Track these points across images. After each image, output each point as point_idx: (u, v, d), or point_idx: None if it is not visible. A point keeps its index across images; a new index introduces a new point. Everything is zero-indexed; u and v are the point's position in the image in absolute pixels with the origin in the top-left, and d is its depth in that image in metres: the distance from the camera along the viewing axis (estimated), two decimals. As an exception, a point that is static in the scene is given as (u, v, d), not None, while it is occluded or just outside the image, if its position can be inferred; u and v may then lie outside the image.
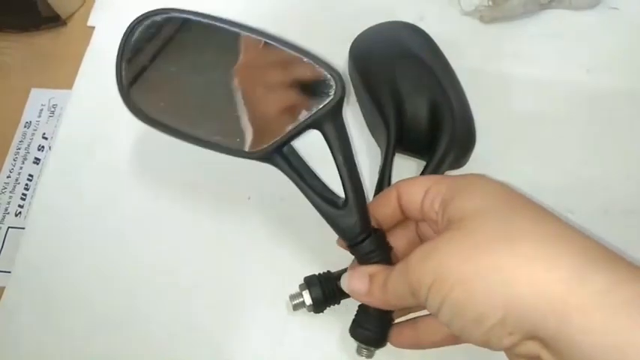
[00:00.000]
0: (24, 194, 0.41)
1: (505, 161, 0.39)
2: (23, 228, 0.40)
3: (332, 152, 0.30)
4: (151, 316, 0.36)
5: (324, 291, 0.33)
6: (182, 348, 0.36)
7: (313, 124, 0.29)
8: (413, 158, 0.39)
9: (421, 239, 0.32)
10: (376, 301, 0.28)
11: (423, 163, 0.37)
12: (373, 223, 0.31)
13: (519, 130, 0.41)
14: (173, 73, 0.32)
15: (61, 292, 0.37)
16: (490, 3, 0.46)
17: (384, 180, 0.35)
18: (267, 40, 0.30)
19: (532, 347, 0.22)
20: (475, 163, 0.38)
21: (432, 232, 0.30)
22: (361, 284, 0.28)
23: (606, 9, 0.46)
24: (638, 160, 0.40)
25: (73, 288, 0.37)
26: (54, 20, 0.47)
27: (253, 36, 0.30)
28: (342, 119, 0.30)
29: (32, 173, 0.42)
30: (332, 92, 0.29)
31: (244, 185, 0.40)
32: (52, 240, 0.39)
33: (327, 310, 0.34)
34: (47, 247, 0.39)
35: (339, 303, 0.34)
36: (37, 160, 0.43)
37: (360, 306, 0.32)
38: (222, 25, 0.31)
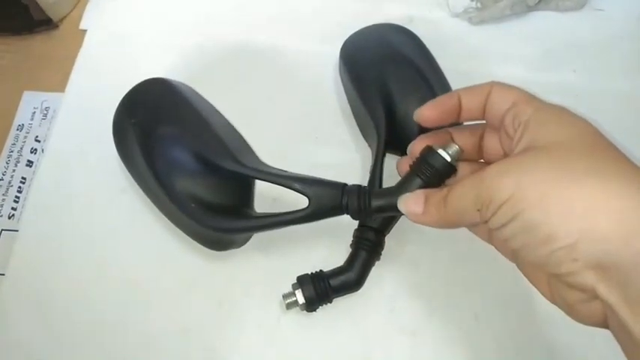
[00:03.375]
0: (17, 197, 0.41)
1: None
2: (17, 230, 0.40)
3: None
4: (144, 317, 0.37)
5: (317, 290, 0.34)
6: (176, 348, 0.36)
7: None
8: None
9: (480, 151, 0.32)
10: (432, 220, 0.28)
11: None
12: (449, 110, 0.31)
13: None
14: None
15: (55, 294, 0.37)
16: (478, 5, 0.46)
17: (374, 180, 0.36)
18: None
19: (589, 278, 0.22)
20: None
21: (500, 148, 0.30)
22: (416, 205, 0.29)
23: (592, 11, 0.47)
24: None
25: (66, 290, 0.38)
26: (46, 23, 0.47)
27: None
28: None
29: (25, 176, 0.42)
30: None
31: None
32: (45, 242, 0.39)
33: (320, 309, 0.35)
34: (41, 250, 0.39)
35: (331, 301, 0.35)
36: (29, 163, 0.43)
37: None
38: None
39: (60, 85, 0.45)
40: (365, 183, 0.36)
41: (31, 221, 0.40)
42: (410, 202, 0.29)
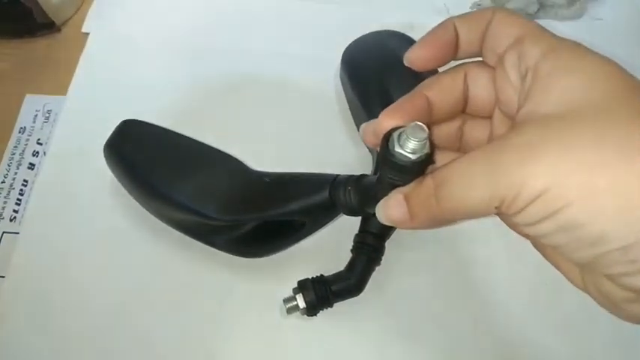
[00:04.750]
0: (19, 199, 0.41)
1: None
2: (18, 233, 0.40)
3: None
4: (145, 321, 0.37)
5: (318, 294, 0.34)
6: (175, 352, 0.36)
7: None
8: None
9: (463, 137, 0.26)
10: (423, 222, 0.22)
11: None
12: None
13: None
14: None
15: (56, 296, 0.38)
16: (478, 13, 0.47)
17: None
18: None
19: None
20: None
21: (485, 138, 0.24)
22: (397, 211, 0.23)
23: (590, 20, 0.47)
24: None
25: (67, 293, 0.38)
26: (48, 27, 0.47)
27: None
28: None
29: (27, 178, 0.42)
30: None
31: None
32: (46, 245, 0.39)
33: (320, 314, 0.35)
34: (42, 252, 0.39)
35: (331, 306, 0.35)
36: (31, 166, 0.43)
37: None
38: None
39: (62, 89, 0.45)
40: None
41: (32, 224, 0.40)
42: (391, 209, 0.23)
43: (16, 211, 0.41)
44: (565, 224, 0.18)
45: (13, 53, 0.48)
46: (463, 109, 0.26)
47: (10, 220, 0.41)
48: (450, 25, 0.24)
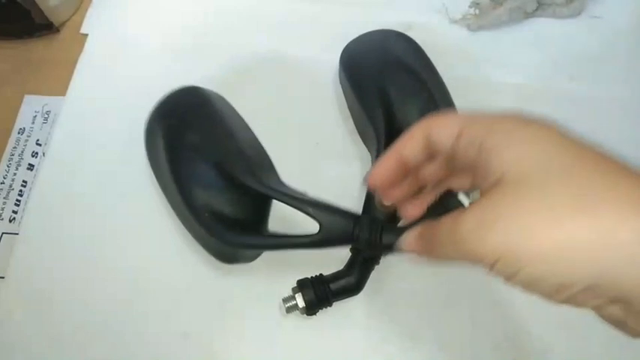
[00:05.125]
0: (18, 200, 0.41)
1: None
2: (17, 234, 0.40)
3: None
4: (144, 320, 0.37)
5: (317, 294, 0.34)
6: (176, 351, 0.36)
7: None
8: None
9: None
10: (440, 257, 0.25)
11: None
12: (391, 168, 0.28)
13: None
14: None
15: (55, 297, 0.38)
16: (477, 12, 0.47)
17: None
18: None
19: (616, 312, 0.20)
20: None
21: (466, 183, 0.27)
22: (419, 245, 0.26)
23: (588, 18, 0.47)
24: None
25: (66, 293, 0.38)
26: (47, 28, 0.47)
27: None
28: None
29: (26, 179, 0.42)
30: None
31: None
32: (45, 245, 0.39)
33: (320, 313, 0.35)
34: (41, 253, 0.39)
35: (331, 305, 0.35)
36: (30, 166, 0.43)
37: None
38: None
39: (61, 89, 0.45)
40: (365, 188, 0.37)
41: (31, 224, 0.40)
42: (410, 241, 0.26)
43: (15, 212, 0.41)
44: (529, 279, 0.21)
45: (12, 54, 0.48)
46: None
47: (10, 221, 0.41)
48: (392, 154, 0.27)
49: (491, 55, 0.46)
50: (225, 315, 0.37)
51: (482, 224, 0.21)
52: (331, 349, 0.36)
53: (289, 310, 0.34)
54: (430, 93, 0.38)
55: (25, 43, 0.48)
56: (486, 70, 0.45)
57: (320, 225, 0.32)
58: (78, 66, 0.46)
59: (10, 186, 0.42)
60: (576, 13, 0.47)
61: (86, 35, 0.48)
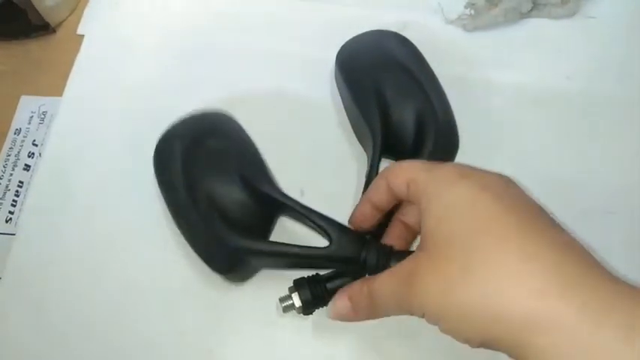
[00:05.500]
0: (14, 201, 0.41)
1: (487, 164, 0.40)
2: (14, 234, 0.40)
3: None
4: (141, 320, 0.37)
5: (313, 293, 0.34)
6: (172, 351, 0.36)
7: None
8: (398, 163, 0.40)
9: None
10: (366, 317, 0.30)
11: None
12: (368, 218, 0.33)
13: (501, 135, 0.42)
14: None
15: (52, 297, 0.38)
16: (472, 12, 0.47)
17: (370, 183, 0.36)
18: None
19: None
20: (459, 168, 0.39)
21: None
22: (343, 308, 0.30)
23: (584, 18, 0.48)
24: (616, 162, 0.41)
25: (63, 294, 0.38)
26: (44, 28, 0.47)
27: None
28: None
29: (22, 180, 0.42)
30: None
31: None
32: (42, 246, 0.39)
33: (316, 312, 0.35)
34: (38, 254, 0.39)
35: (327, 305, 0.35)
36: (27, 167, 0.43)
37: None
38: None
39: (57, 90, 0.45)
40: (361, 188, 0.37)
41: (28, 225, 0.40)
42: (336, 307, 0.31)
43: (11, 213, 0.41)
44: (445, 332, 0.25)
45: (9, 55, 0.48)
46: None
47: (6, 222, 0.41)
48: (365, 202, 0.32)
49: (486, 56, 0.46)
50: (221, 314, 0.37)
51: (410, 281, 0.26)
52: (330, 349, 0.36)
53: (286, 309, 0.34)
54: (426, 93, 0.38)
55: (22, 44, 0.48)
56: (482, 71, 0.45)
57: (330, 240, 0.32)
58: (74, 67, 0.46)
59: (7, 186, 0.42)
60: (571, 14, 0.47)
61: (83, 36, 0.48)
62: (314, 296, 0.34)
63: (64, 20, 0.49)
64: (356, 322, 0.31)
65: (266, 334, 0.36)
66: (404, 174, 0.29)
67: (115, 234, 0.39)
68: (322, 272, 0.35)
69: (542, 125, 0.43)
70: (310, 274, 0.35)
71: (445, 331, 0.25)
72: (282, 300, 0.35)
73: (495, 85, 0.44)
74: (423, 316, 0.26)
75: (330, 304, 0.31)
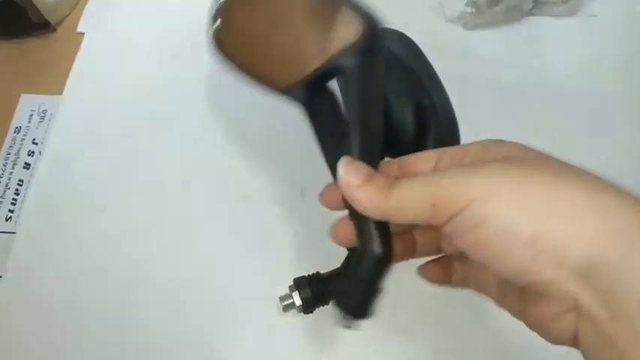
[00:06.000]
0: (14, 199, 0.41)
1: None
2: (14, 233, 0.40)
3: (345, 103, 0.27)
4: (142, 318, 0.37)
5: (314, 292, 0.34)
6: (174, 350, 0.36)
7: (334, 66, 0.27)
8: (399, 161, 0.40)
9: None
10: (367, 202, 0.24)
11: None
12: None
13: (501, 133, 0.42)
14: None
15: (52, 296, 0.38)
16: (473, 10, 0.47)
17: None
18: None
19: (573, 286, 0.20)
20: (459, 166, 0.39)
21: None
22: (355, 177, 0.25)
23: (585, 16, 0.48)
24: (616, 159, 0.41)
25: (64, 292, 0.38)
26: (44, 27, 0.47)
27: None
28: (373, 70, 0.28)
29: (22, 178, 0.42)
30: (354, 31, 0.27)
31: (235, 187, 0.40)
32: (42, 244, 0.39)
33: (317, 311, 0.35)
34: (38, 252, 0.39)
35: (328, 304, 0.35)
36: (27, 165, 0.43)
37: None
38: None
39: (57, 88, 0.45)
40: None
41: (28, 223, 0.40)
42: (349, 171, 0.25)
43: (11, 211, 0.41)
44: (500, 227, 0.21)
45: (9, 53, 0.48)
46: None
47: (6, 220, 0.41)
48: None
49: (487, 54, 0.46)
50: (222, 313, 0.37)
51: (468, 169, 0.22)
52: (329, 347, 0.36)
53: (286, 308, 0.34)
54: (426, 91, 0.38)
55: (22, 42, 0.48)
56: (483, 69, 0.45)
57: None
58: (75, 65, 0.46)
59: (7, 185, 0.42)
60: (572, 12, 0.47)
61: (83, 34, 0.48)
62: (314, 295, 0.34)
63: (65, 18, 0.49)
64: (358, 203, 0.25)
65: (267, 333, 0.36)
66: (429, 154, 0.27)
67: (115, 232, 0.39)
68: (323, 271, 0.35)
69: (542, 122, 0.43)
70: (311, 273, 0.35)
71: (507, 217, 0.20)
72: (282, 299, 0.34)
73: (496, 83, 0.44)
74: (463, 208, 0.21)
75: (343, 162, 0.26)
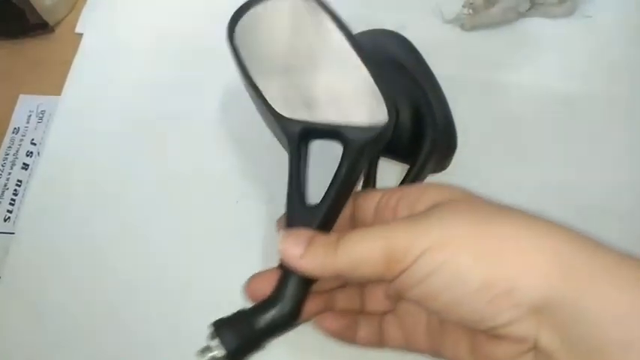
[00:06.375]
0: (13, 199, 0.41)
1: (485, 164, 0.40)
2: (12, 233, 0.40)
3: (336, 170, 0.28)
4: (142, 319, 0.37)
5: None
6: (173, 352, 0.36)
7: (340, 132, 0.28)
8: (397, 162, 0.40)
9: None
10: (314, 265, 0.24)
11: (407, 166, 0.38)
12: None
13: (498, 134, 0.42)
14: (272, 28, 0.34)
15: (51, 297, 0.38)
16: (471, 11, 0.47)
17: (369, 182, 0.36)
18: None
19: (531, 325, 0.20)
20: (456, 167, 0.39)
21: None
22: (296, 246, 0.24)
23: (581, 17, 0.48)
24: (612, 161, 0.41)
25: (62, 293, 0.38)
26: (42, 27, 0.47)
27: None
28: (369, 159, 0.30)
29: (21, 179, 0.42)
30: (378, 117, 0.27)
31: (233, 189, 0.40)
32: (41, 245, 0.39)
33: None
34: (37, 253, 0.39)
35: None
36: (25, 166, 0.43)
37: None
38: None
39: (56, 89, 0.45)
40: (359, 186, 0.37)
41: (26, 224, 0.40)
42: (289, 242, 0.24)
43: (10, 212, 0.41)
44: (454, 273, 0.21)
45: (7, 53, 0.48)
46: None
47: (5, 221, 0.41)
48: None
49: (484, 55, 0.46)
50: (223, 314, 0.37)
51: (418, 218, 0.23)
52: (329, 347, 0.36)
53: None
54: (424, 92, 0.38)
55: (20, 43, 0.48)
56: (480, 70, 0.45)
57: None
58: (73, 65, 0.46)
59: (5, 185, 0.42)
60: (569, 13, 0.47)
61: (81, 35, 0.48)
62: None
63: (63, 19, 0.49)
64: (305, 271, 0.24)
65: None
66: (376, 192, 0.28)
67: (114, 232, 0.39)
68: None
69: (538, 124, 0.43)
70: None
71: (459, 266, 0.21)
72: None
73: (493, 85, 0.44)
74: (415, 259, 0.21)
75: (283, 234, 0.25)
